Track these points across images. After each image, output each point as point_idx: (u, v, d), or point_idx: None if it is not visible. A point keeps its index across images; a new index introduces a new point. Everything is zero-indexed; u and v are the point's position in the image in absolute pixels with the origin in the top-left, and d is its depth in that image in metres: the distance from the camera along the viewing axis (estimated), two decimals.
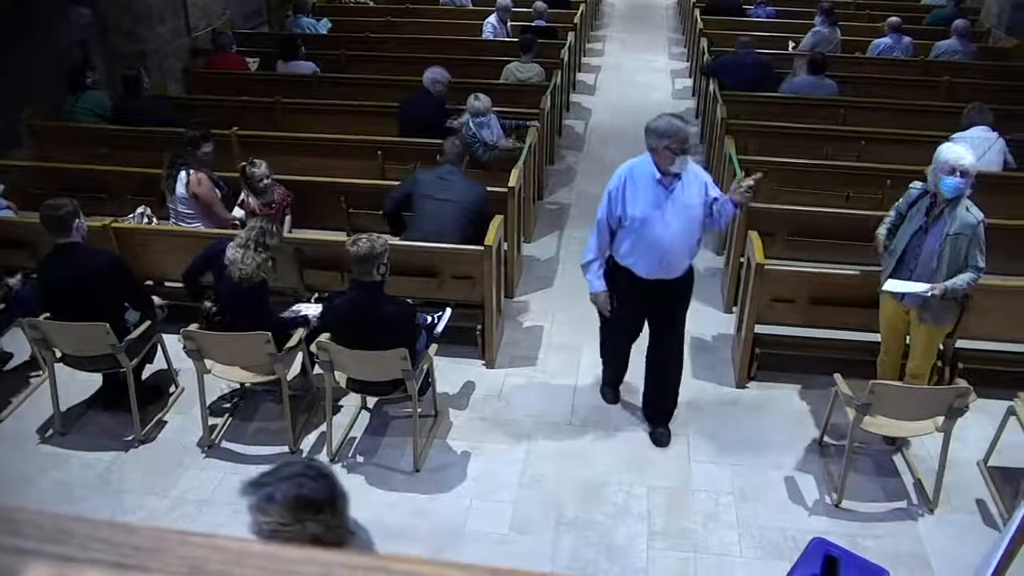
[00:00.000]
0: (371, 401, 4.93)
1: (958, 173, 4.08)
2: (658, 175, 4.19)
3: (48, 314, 4.52)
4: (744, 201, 4.33)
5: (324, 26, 10.69)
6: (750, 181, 4.18)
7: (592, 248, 4.44)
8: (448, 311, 4.85)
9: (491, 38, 10.28)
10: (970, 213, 4.17)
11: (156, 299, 4.95)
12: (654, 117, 4.25)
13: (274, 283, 4.71)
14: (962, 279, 4.19)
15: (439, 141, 5.85)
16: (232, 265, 4.40)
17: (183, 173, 5.55)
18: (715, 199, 4.27)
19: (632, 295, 4.43)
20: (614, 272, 4.46)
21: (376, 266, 4.16)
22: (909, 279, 4.31)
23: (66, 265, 4.45)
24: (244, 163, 5.62)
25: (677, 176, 4.20)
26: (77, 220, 4.47)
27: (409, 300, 4.64)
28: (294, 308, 4.87)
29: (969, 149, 4.18)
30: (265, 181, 5.57)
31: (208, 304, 4.74)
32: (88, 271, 4.45)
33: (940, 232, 4.20)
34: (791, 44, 10.06)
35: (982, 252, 4.19)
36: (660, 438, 4.75)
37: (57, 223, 4.40)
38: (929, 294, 4.24)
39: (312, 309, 4.78)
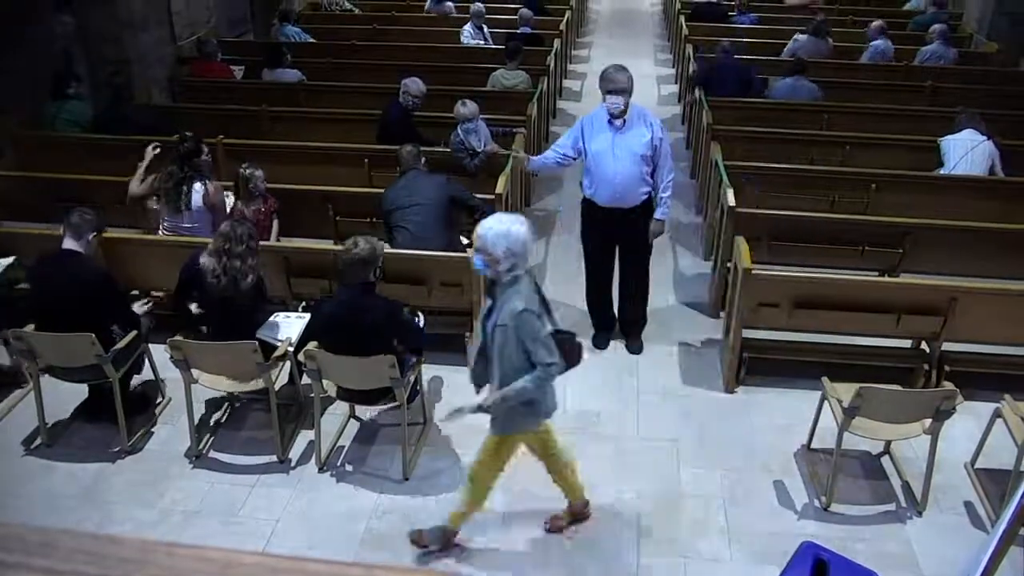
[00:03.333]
0: (359, 409, 4.91)
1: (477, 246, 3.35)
2: (608, 117, 5.01)
3: (33, 324, 4.48)
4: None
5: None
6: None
7: (547, 152, 5.47)
8: (420, 316, 4.80)
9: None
10: (514, 301, 3.33)
11: (143, 307, 4.90)
12: None
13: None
14: (520, 384, 3.38)
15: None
16: (210, 277, 4.37)
17: (198, 184, 5.44)
18: (661, 153, 5.06)
19: (599, 222, 5.28)
20: (584, 204, 5.36)
21: (373, 268, 4.17)
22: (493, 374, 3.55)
23: (61, 271, 4.44)
24: (241, 167, 5.59)
25: (624, 119, 4.98)
26: (93, 233, 4.51)
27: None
28: (279, 318, 4.82)
29: (509, 221, 3.34)
30: (261, 185, 5.55)
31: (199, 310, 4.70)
32: (79, 281, 4.43)
33: (493, 320, 3.45)
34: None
35: (545, 346, 3.35)
36: (634, 348, 5.62)
37: (75, 227, 4.44)
38: (468, 415, 3.57)
39: (295, 326, 4.70)
